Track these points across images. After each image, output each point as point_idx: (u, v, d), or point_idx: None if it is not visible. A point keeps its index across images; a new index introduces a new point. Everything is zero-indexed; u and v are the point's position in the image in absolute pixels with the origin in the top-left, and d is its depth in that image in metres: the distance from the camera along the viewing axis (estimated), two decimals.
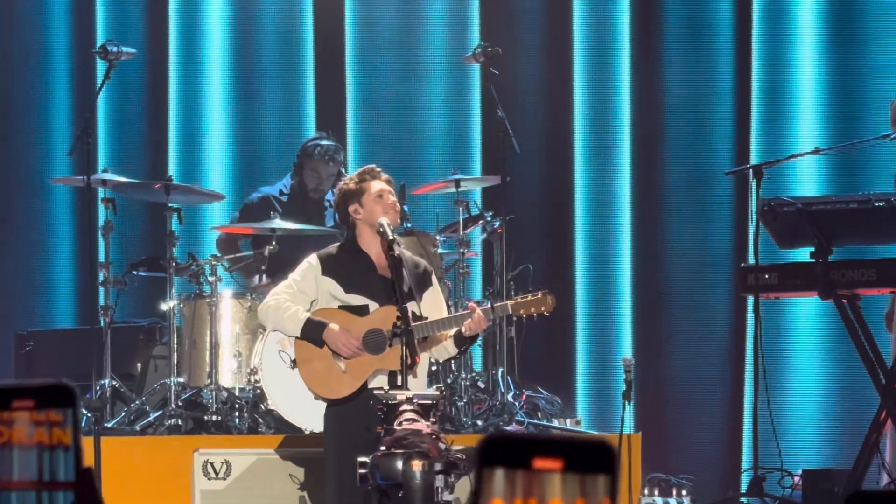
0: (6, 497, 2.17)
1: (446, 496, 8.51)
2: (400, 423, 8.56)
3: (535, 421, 10.51)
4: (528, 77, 12.16)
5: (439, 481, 8.46)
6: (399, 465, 8.36)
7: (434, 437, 8.53)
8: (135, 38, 11.90)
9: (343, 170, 11.27)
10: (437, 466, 8.38)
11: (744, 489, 10.65)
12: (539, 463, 1.95)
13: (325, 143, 11.32)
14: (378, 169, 9.28)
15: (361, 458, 8.54)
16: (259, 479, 9.52)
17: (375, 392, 8.82)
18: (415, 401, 8.62)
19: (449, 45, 12.33)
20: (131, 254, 11.23)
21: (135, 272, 10.79)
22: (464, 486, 9.37)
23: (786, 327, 11.97)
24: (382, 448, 8.54)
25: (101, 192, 10.71)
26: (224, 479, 9.52)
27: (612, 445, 1.93)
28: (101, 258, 10.63)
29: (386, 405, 8.69)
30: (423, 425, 8.51)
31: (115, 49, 10.66)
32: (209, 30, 12.39)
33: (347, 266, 9.11)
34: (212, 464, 9.52)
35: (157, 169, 11.81)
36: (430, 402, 8.69)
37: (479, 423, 10.18)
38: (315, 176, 11.17)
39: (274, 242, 10.45)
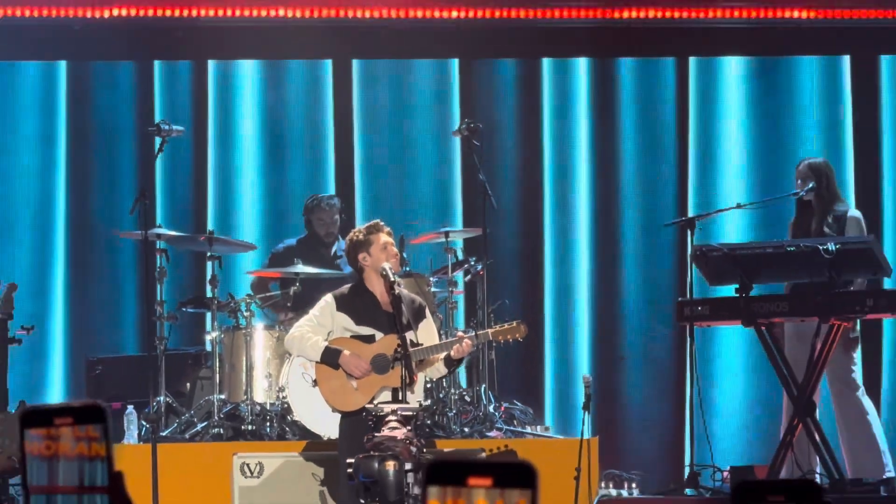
0: (53, 499, 2.17)
1: (415, 490, 8.56)
2: (382, 431, 8.61)
3: (511, 427, 10.37)
4: (504, 146, 12.00)
5: (409, 478, 8.53)
6: (375, 465, 8.49)
7: (407, 442, 8.60)
8: (184, 118, 11.67)
9: (344, 216, 11.17)
10: (407, 466, 8.46)
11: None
12: (473, 481, 2.01)
13: (320, 195, 11.21)
14: (382, 223, 9.19)
15: (349, 460, 8.62)
16: (287, 477, 9.44)
17: (367, 406, 8.88)
18: (398, 412, 8.69)
19: (436, 122, 12.07)
20: (181, 294, 11.09)
21: (184, 309, 10.73)
22: None
23: (717, 350, 11.89)
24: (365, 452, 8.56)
25: (158, 244, 10.54)
26: (258, 477, 9.47)
27: (531, 466, 1.97)
28: (157, 297, 10.45)
29: (375, 416, 8.72)
30: (400, 433, 8.58)
31: (166, 127, 10.60)
32: (243, 109, 12.09)
33: (357, 303, 9.08)
34: (248, 465, 9.45)
35: (200, 224, 11.66)
36: (410, 413, 8.75)
37: (466, 430, 10.05)
38: (322, 223, 11.01)
39: (298, 284, 10.36)
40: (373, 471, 8.53)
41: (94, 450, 2.15)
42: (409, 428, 8.67)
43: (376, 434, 8.70)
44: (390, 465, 8.51)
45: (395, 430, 8.63)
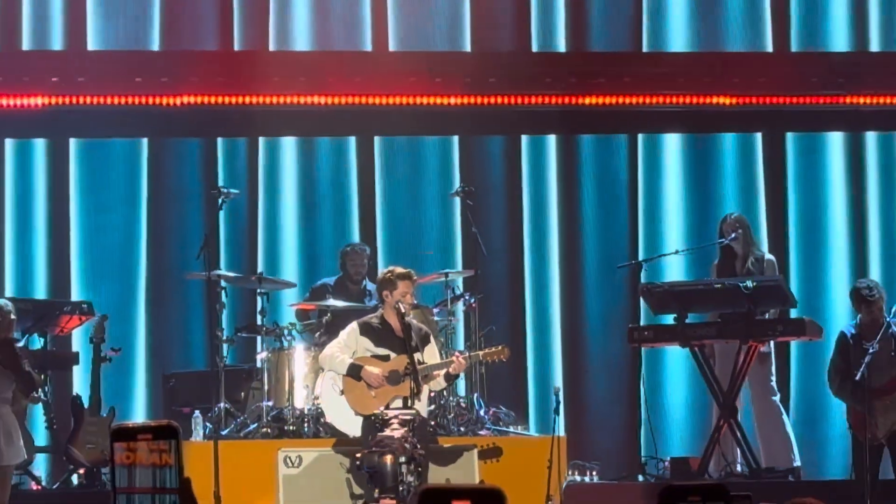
0: (132, 498, 2.17)
1: (409, 478, 8.58)
2: (385, 431, 8.69)
3: (498, 427, 10.34)
4: (493, 205, 11.94)
5: (403, 468, 8.61)
6: (376, 458, 8.59)
7: (403, 440, 8.67)
8: (240, 183, 11.65)
9: (369, 261, 11.11)
10: (402, 459, 8.56)
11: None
12: (455, 503, 1.98)
13: (353, 243, 11.21)
14: (413, 273, 9.30)
15: (357, 454, 8.73)
16: (320, 467, 9.43)
17: (374, 412, 8.96)
18: (399, 417, 8.78)
19: (440, 185, 11.87)
20: (237, 322, 11.02)
21: (239, 334, 10.73)
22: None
23: (662, 365, 11.78)
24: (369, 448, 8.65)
25: (220, 283, 10.48)
26: (298, 467, 9.44)
27: (501, 491, 1.94)
28: (219, 325, 10.40)
29: (381, 420, 8.85)
30: (398, 433, 8.68)
31: (226, 190, 10.63)
32: (285, 176, 11.94)
33: (376, 329, 9.14)
34: (290, 457, 9.43)
35: (252, 267, 11.52)
36: (409, 417, 8.82)
37: (462, 429, 10.06)
38: (353, 265, 10.92)
39: (329, 314, 10.35)
40: (374, 463, 8.63)
41: (164, 460, 2.17)
42: (406, 429, 8.73)
43: (379, 434, 8.78)
44: (387, 459, 8.60)
45: (394, 431, 8.70)
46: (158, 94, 11.32)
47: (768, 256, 10.64)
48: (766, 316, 10.14)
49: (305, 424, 9.86)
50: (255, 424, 9.96)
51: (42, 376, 9.91)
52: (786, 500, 3.80)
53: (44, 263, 11.75)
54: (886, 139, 12.05)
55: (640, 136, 11.98)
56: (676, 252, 11.19)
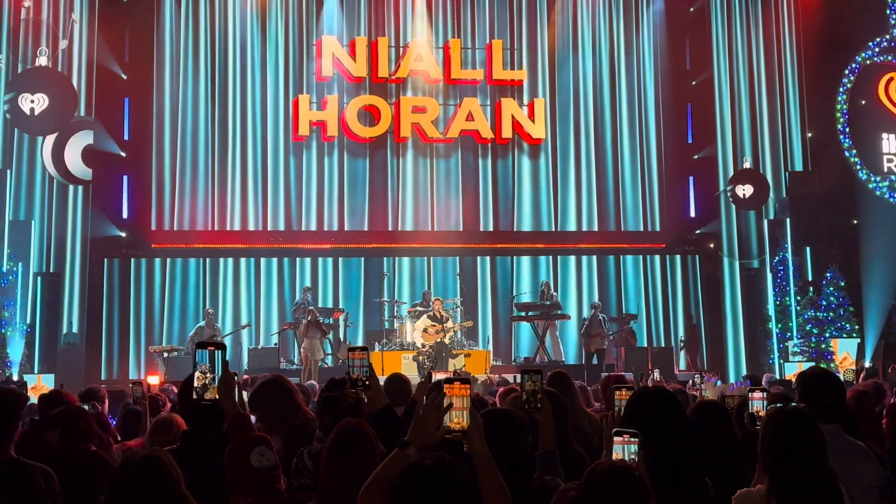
0: (353, 370, 2.12)
1: (428, 363, 9.61)
2: (423, 349, 9.82)
3: (470, 347, 11.06)
4: (470, 278, 12.18)
5: (426, 362, 9.80)
6: (416, 357, 9.91)
7: (427, 351, 9.95)
8: (390, 268, 12.23)
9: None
10: (427, 358, 9.85)
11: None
12: (456, 384, 1.78)
13: (427, 290, 11.71)
14: (443, 300, 10.67)
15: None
16: (414, 361, 10.42)
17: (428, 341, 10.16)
18: (427, 344, 9.92)
19: (452, 272, 12.17)
20: (390, 314, 11.40)
21: (391, 318, 11.43)
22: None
23: (522, 330, 12.34)
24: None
25: (386, 303, 11.40)
26: (409, 360, 10.47)
27: (470, 375, 2.37)
28: (385, 314, 11.54)
29: (422, 345, 10.05)
30: (426, 348, 9.93)
31: (386, 272, 11.64)
32: (405, 269, 12.29)
33: (434, 317, 10.68)
34: (405, 356, 10.52)
35: (395, 297, 11.97)
36: (433, 343, 9.87)
37: (458, 347, 10.70)
38: (429, 299, 11.21)
39: (416, 311, 11.19)
40: (417, 360, 10.09)
41: (364, 356, 2.26)
42: (430, 348, 10.14)
43: (422, 349, 10.30)
44: (421, 358, 10.14)
45: (425, 348, 10.23)
46: (364, 244, 12.42)
47: (555, 294, 11.99)
48: (555, 312, 11.57)
49: (410, 345, 11.02)
50: (394, 346, 11.16)
51: (329, 331, 11.42)
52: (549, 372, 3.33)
53: (330, 293, 12.58)
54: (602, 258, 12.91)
55: (517, 258, 12.70)
56: (524, 293, 12.37)
